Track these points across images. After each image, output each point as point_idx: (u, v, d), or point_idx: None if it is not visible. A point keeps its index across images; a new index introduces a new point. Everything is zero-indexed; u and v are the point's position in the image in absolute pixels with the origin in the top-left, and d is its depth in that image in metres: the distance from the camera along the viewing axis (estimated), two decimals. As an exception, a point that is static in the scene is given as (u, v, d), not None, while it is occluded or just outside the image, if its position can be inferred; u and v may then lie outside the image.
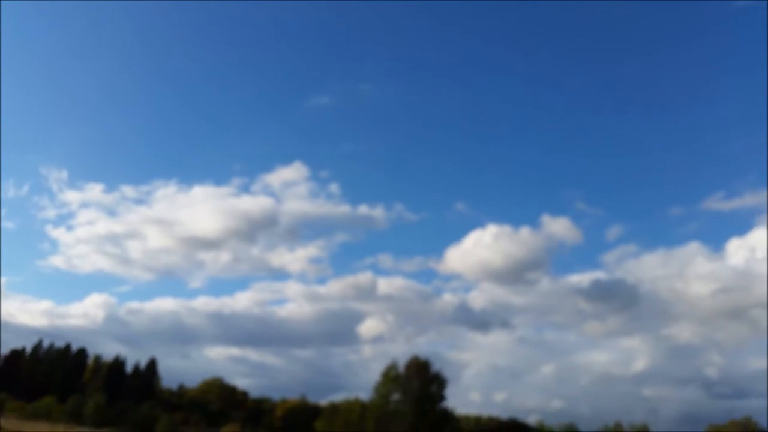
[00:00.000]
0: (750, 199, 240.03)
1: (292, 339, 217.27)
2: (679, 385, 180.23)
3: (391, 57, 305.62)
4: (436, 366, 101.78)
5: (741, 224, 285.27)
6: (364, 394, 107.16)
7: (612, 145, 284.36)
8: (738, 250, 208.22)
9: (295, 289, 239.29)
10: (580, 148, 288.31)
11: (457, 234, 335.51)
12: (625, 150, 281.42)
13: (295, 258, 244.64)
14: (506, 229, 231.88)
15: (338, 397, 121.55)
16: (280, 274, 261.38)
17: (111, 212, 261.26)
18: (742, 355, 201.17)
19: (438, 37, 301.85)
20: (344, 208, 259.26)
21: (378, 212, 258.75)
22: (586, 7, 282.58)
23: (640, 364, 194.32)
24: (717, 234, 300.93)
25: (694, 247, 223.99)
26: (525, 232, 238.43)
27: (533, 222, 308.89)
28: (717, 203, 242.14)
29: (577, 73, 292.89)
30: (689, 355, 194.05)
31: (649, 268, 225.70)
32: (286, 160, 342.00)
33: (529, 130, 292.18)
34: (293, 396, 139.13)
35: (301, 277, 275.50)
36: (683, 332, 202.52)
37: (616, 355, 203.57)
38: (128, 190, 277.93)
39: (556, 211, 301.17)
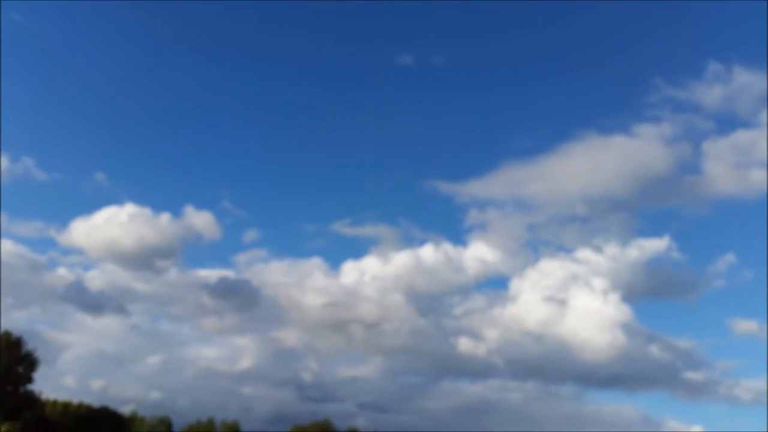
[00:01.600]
0: (369, 230, 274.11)
1: None
2: (276, 385, 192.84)
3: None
4: (31, 345, 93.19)
5: (358, 250, 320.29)
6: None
7: (270, 152, 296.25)
8: (351, 272, 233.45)
9: None
10: (240, 149, 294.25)
11: (89, 205, 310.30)
12: (280, 161, 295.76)
13: None
14: (146, 211, 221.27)
15: None
16: None
17: None
18: (334, 364, 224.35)
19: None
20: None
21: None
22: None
23: (245, 363, 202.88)
24: (337, 254, 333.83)
25: (316, 262, 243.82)
26: (165, 218, 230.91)
27: (176, 210, 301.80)
28: (343, 228, 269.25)
29: (243, 85, 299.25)
30: (291, 358, 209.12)
31: (274, 274, 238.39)
32: None
33: (191, 120, 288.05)
34: None
35: None
36: (290, 337, 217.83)
37: (225, 352, 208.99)
38: None
39: (202, 204, 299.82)
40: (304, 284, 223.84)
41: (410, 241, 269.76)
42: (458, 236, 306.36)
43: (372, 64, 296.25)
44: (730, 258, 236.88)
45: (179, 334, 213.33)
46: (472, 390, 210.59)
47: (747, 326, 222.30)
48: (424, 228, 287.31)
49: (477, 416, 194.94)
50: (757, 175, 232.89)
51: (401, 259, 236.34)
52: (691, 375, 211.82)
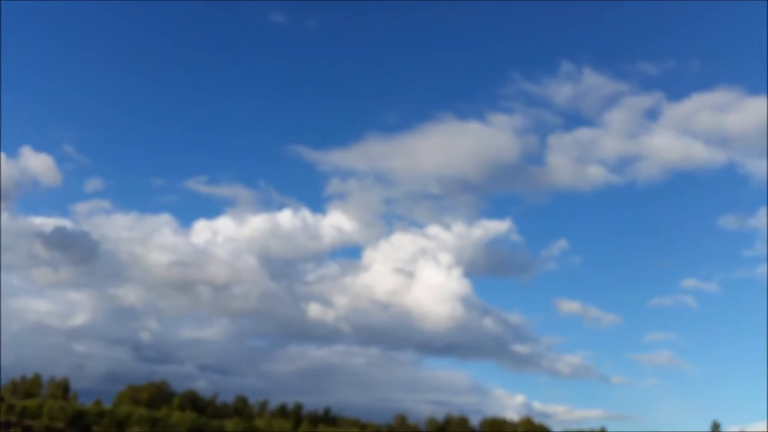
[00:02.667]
0: (226, 190, 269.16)
1: None
2: (111, 344, 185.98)
3: None
4: None
5: (212, 209, 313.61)
6: None
7: (122, 99, 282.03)
8: (203, 231, 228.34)
9: None
10: (89, 91, 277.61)
11: None
12: (133, 109, 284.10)
13: None
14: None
15: None
16: None
17: None
18: (176, 325, 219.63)
19: None
20: None
21: None
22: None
23: (79, 319, 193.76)
24: (189, 212, 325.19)
25: (164, 219, 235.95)
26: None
27: (11, 150, 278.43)
28: (197, 185, 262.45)
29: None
30: (129, 317, 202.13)
31: (117, 227, 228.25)
32: None
33: (37, 53, 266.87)
34: None
35: None
36: (130, 295, 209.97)
37: (57, 306, 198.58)
38: None
39: (42, 146, 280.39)
40: (150, 241, 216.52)
41: (268, 205, 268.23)
42: (317, 204, 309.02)
43: (245, 18, 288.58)
44: (562, 244, 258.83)
45: (7, 285, 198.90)
46: (318, 354, 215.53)
47: (571, 306, 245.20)
48: (283, 192, 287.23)
49: (320, 379, 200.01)
50: (595, 171, 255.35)
51: (257, 222, 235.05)
52: (519, 348, 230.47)
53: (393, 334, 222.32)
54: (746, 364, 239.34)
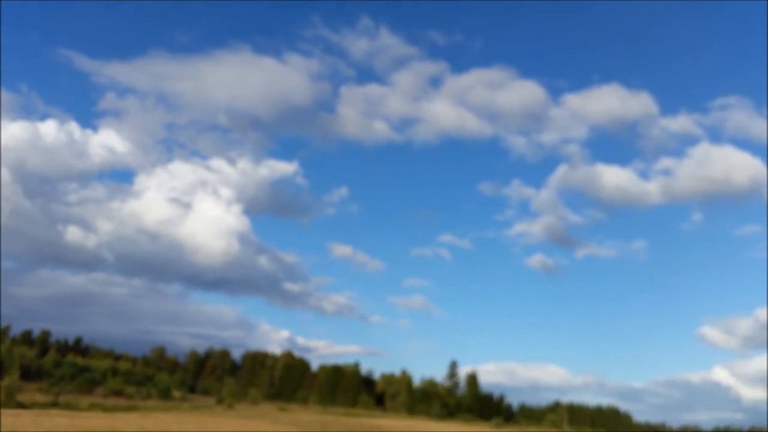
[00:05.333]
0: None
1: None
2: None
3: None
4: None
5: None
6: None
7: None
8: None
9: None
10: None
11: None
12: None
13: None
14: None
15: None
16: None
17: None
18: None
19: None
20: None
21: None
22: None
23: None
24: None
25: None
26: None
27: None
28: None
29: None
30: None
31: None
32: None
33: None
34: None
35: None
36: None
37: None
38: None
39: None
40: None
41: (29, 112, 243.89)
42: (88, 119, 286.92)
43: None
44: (343, 191, 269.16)
45: None
46: (74, 281, 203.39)
47: (343, 250, 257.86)
48: (49, 101, 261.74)
49: (74, 308, 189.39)
50: (379, 126, 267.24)
51: (14, 130, 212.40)
52: (289, 286, 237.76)
53: (161, 265, 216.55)
54: (484, 313, 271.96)
